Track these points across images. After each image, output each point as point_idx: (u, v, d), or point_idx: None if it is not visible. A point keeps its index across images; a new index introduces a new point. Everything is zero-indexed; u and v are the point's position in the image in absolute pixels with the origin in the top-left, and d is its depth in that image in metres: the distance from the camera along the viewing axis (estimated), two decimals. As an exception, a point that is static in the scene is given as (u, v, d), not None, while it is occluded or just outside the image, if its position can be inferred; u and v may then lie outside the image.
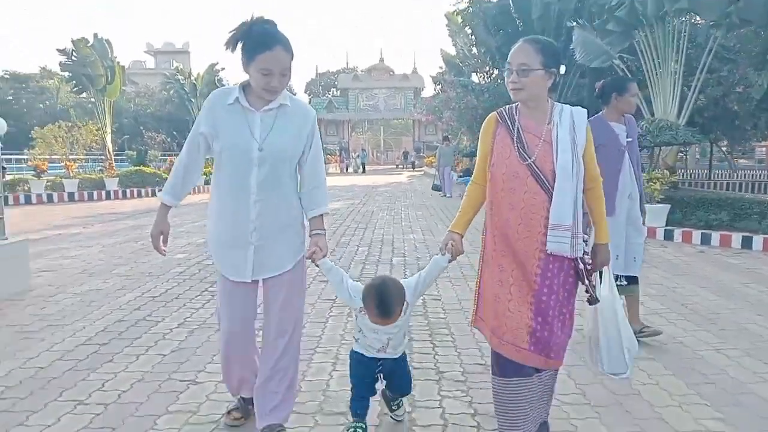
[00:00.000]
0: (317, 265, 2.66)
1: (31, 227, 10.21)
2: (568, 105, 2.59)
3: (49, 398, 3.14)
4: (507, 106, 2.64)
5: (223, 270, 2.64)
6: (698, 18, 10.69)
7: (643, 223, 4.24)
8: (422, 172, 36.46)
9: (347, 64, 70.42)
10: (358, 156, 42.30)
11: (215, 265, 2.68)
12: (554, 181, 2.43)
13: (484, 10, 19.59)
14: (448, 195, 17.21)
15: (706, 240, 8.15)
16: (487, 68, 22.27)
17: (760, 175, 28.07)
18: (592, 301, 2.53)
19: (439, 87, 27.80)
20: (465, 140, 28.55)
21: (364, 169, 40.54)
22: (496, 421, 2.57)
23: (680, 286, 5.73)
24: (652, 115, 11.77)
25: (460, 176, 19.32)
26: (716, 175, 27.67)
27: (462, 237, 2.63)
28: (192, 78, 33.55)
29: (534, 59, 2.45)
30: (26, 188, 15.25)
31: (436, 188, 18.31)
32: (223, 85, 31.86)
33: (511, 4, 18.75)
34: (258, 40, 2.41)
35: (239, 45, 2.44)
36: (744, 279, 6.06)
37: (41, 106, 50.72)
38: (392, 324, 2.59)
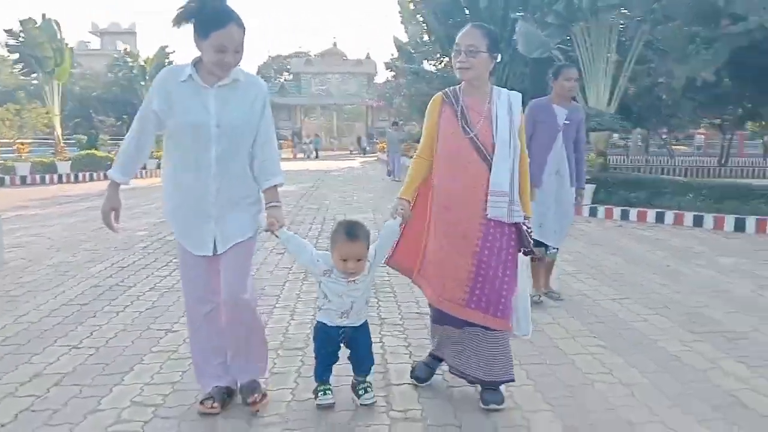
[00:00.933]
0: (277, 236, 2.75)
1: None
2: (505, 89, 2.92)
3: (46, 344, 3.64)
4: (451, 88, 2.94)
5: (187, 245, 2.68)
6: (628, 13, 11.56)
7: (578, 203, 4.71)
8: (375, 158, 37.07)
9: (300, 48, 70.32)
10: (311, 141, 42.39)
11: (177, 240, 2.74)
12: (493, 154, 2.75)
13: (434, -1, 20.23)
14: (397, 179, 17.88)
15: (625, 216, 9.11)
16: (438, 55, 22.95)
17: (695, 161, 29.78)
18: (533, 256, 2.98)
19: (391, 73, 28.40)
20: (416, 126, 29.28)
21: (317, 154, 40.65)
22: (425, 350, 3.20)
23: (594, 254, 6.56)
24: (587, 103, 12.71)
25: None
26: (654, 161, 29.28)
27: (410, 203, 2.90)
28: (141, 61, 33.15)
29: (481, 42, 2.76)
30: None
31: (389, 173, 18.85)
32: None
33: (459, -6, 19.46)
34: (211, 17, 2.43)
35: (190, 22, 2.47)
36: (651, 248, 6.94)
37: (-18, 88, 48.85)
38: (355, 280, 2.71)
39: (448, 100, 2.89)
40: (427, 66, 24.40)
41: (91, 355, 3.49)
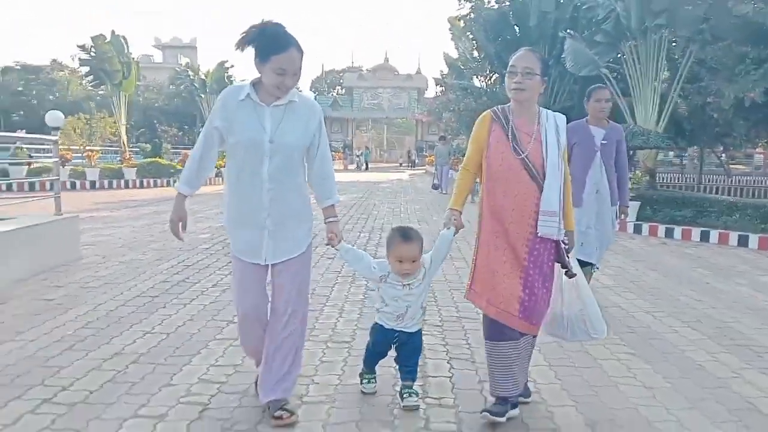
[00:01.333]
0: (336, 249, 2.98)
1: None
2: (551, 111, 3.03)
3: (123, 329, 4.11)
4: (499, 106, 3.03)
5: (240, 253, 2.82)
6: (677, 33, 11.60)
7: (618, 222, 4.83)
8: (423, 171, 37.41)
9: (352, 63, 71.40)
10: (361, 153, 43.19)
11: (232, 248, 2.88)
12: (543, 174, 2.83)
13: (484, 16, 20.48)
14: (444, 192, 18.14)
15: (669, 234, 9.15)
16: (487, 72, 23.17)
17: (754, 181, 28.89)
18: (571, 275, 2.94)
19: (440, 88, 28.75)
20: (464, 140, 29.52)
21: (367, 166, 41.40)
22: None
23: (635, 269, 6.70)
24: (635, 121, 12.74)
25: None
26: (709, 180, 28.58)
27: (460, 213, 3.00)
28: (201, 74, 34.61)
29: (536, 65, 2.86)
30: (50, 175, 16.23)
31: (435, 187, 19.16)
32: (232, 82, 32.86)
33: (510, 13, 19.70)
34: (272, 41, 2.59)
35: (250, 46, 2.62)
36: (692, 265, 7.03)
37: (51, 97, 51.55)
38: (410, 284, 2.93)
39: (497, 119, 2.96)
40: (477, 82, 24.68)
41: (163, 339, 3.93)
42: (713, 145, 19.53)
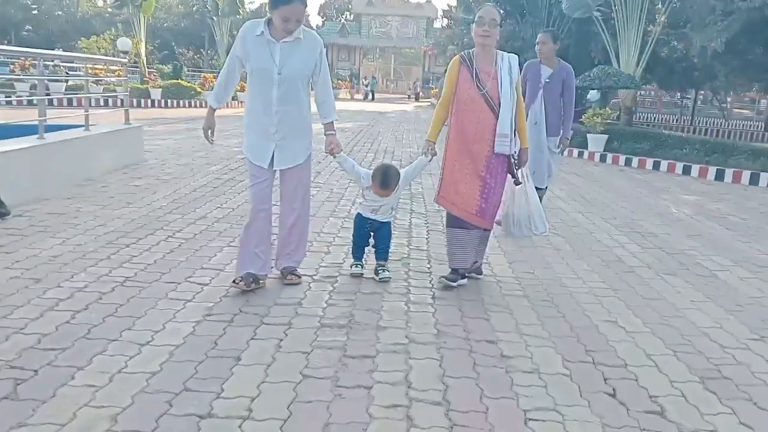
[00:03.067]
0: (335, 157, 3.72)
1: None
2: (505, 52, 3.76)
3: (200, 204, 5.79)
4: (465, 51, 3.80)
5: (252, 157, 3.47)
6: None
7: (559, 151, 5.60)
8: (428, 103, 38.33)
9: (362, -12, 70.49)
10: (368, 83, 43.49)
11: (245, 153, 3.54)
12: (499, 105, 3.61)
13: (492, -49, 21.21)
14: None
15: (628, 162, 10.79)
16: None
17: (750, 125, 29.91)
18: (518, 183, 3.82)
19: (447, 21, 29.48)
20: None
21: (373, 96, 41.56)
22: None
23: (586, 187, 8.36)
24: (619, 64, 14.07)
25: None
26: (705, 122, 29.67)
27: (435, 143, 3.83)
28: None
29: (498, 18, 3.64)
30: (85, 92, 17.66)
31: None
32: (243, 4, 33.34)
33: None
34: None
35: None
36: (635, 186, 8.68)
37: (60, 13, 51.62)
38: (387, 197, 3.85)
39: (464, 62, 3.71)
40: (484, 16, 25.38)
41: (231, 210, 5.63)
42: (695, 87, 20.68)
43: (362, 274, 3.95)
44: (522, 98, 3.91)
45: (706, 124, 29.24)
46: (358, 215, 4.00)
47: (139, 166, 7.77)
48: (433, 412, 2.38)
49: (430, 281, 4.00)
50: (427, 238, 5.16)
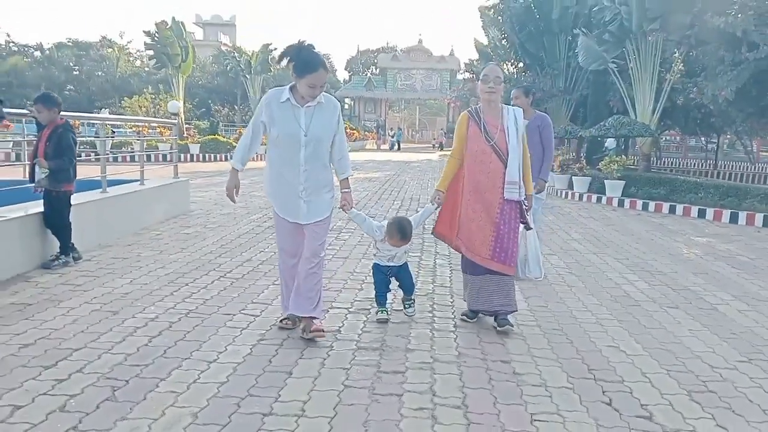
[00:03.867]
0: (347, 213, 3.88)
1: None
2: (510, 106, 4.14)
3: (246, 249, 6.42)
4: (472, 107, 4.13)
5: (285, 215, 3.70)
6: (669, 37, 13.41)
7: (536, 191, 5.33)
8: (452, 151, 38.99)
9: (387, 43, 72.97)
10: (394, 134, 44.67)
11: (276, 212, 3.76)
12: (507, 155, 3.95)
13: (511, 8, 22.25)
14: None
15: (645, 207, 11.21)
16: (512, 61, 24.90)
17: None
18: (528, 228, 4.24)
19: (469, 74, 30.57)
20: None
21: (399, 146, 42.77)
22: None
23: (602, 230, 8.81)
24: (635, 113, 14.63)
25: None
26: (730, 166, 29.82)
27: (444, 194, 4.13)
28: (246, 56, 36.97)
29: (501, 75, 4.04)
30: (130, 149, 18.91)
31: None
32: (275, 63, 34.95)
33: (533, 6, 21.42)
34: (306, 63, 3.44)
35: (287, 62, 3.50)
36: (650, 228, 9.09)
37: (100, 73, 54.32)
38: (402, 246, 4.12)
39: (472, 117, 4.06)
40: (507, 69, 26.38)
41: (274, 253, 6.22)
42: (716, 132, 21.03)
43: (388, 319, 4.17)
44: (527, 148, 4.21)
45: (732, 168, 29.41)
46: (375, 266, 4.24)
47: (186, 216, 8.49)
48: (454, 414, 2.87)
49: (453, 312, 4.50)
50: (450, 277, 5.67)
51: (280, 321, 3.99)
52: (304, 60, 3.47)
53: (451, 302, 4.81)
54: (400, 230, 4.05)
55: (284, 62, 3.56)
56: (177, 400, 2.89)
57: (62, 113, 5.36)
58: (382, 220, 4.39)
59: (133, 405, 2.83)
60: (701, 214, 10.38)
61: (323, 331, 3.77)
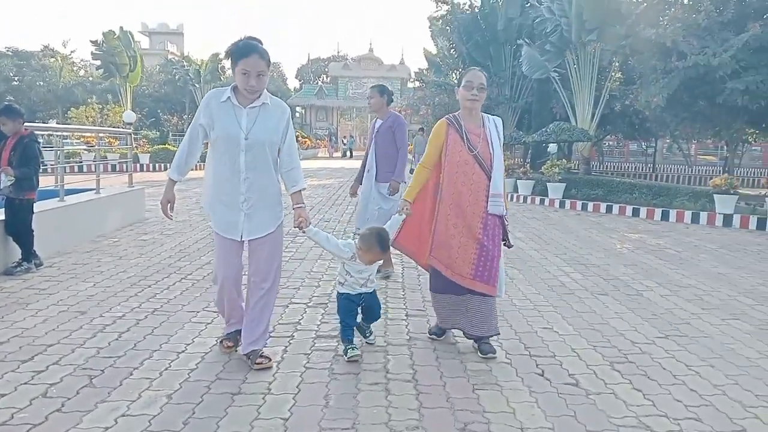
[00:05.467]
0: (304, 232, 3.40)
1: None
2: (488, 114, 3.84)
3: (203, 254, 6.63)
4: (451, 115, 3.78)
5: (220, 230, 3.31)
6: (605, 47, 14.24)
7: (389, 193, 5.54)
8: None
9: (338, 52, 73.44)
10: (346, 142, 45.18)
11: (213, 226, 3.39)
12: (491, 166, 3.64)
13: (458, 19, 22.99)
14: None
15: (584, 207, 11.90)
16: (460, 70, 25.62)
17: (712, 170, 31.46)
18: (509, 245, 3.88)
19: (418, 83, 31.15)
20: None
21: (351, 154, 43.28)
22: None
23: (544, 229, 9.36)
24: (575, 119, 15.43)
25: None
26: (668, 169, 31.37)
27: (412, 204, 3.77)
28: (195, 65, 36.72)
29: (485, 82, 3.70)
30: (78, 159, 18.61)
31: (412, 171, 21.78)
32: (225, 72, 34.80)
33: (479, 17, 22.21)
34: (240, 49, 3.15)
35: (227, 55, 3.24)
36: (588, 227, 9.70)
37: (42, 83, 52.69)
38: (375, 262, 3.61)
39: (452, 125, 3.73)
40: (454, 78, 27.07)
41: (230, 258, 6.45)
42: (654, 137, 22.23)
43: (360, 354, 3.60)
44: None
45: (669, 170, 30.98)
46: (344, 297, 3.63)
47: (142, 223, 8.60)
48: (405, 386, 3.23)
49: (404, 303, 4.87)
50: (401, 273, 6.03)
51: (221, 342, 3.67)
52: (239, 47, 3.20)
53: (403, 295, 5.17)
54: (380, 241, 3.52)
55: (228, 59, 3.31)
56: (152, 385, 3.14)
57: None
58: (341, 234, 4.40)
59: (111, 390, 3.06)
60: (635, 212, 11.10)
61: (270, 359, 3.42)
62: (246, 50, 3.16)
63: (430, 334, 4.00)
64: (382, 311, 4.00)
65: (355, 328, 3.70)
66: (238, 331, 3.57)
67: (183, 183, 3.69)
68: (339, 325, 3.78)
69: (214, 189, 3.31)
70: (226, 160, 3.23)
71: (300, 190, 3.42)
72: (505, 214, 3.76)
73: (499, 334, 3.84)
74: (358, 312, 3.68)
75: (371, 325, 3.89)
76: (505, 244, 3.84)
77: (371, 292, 3.70)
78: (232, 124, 3.21)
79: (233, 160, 3.21)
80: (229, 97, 3.25)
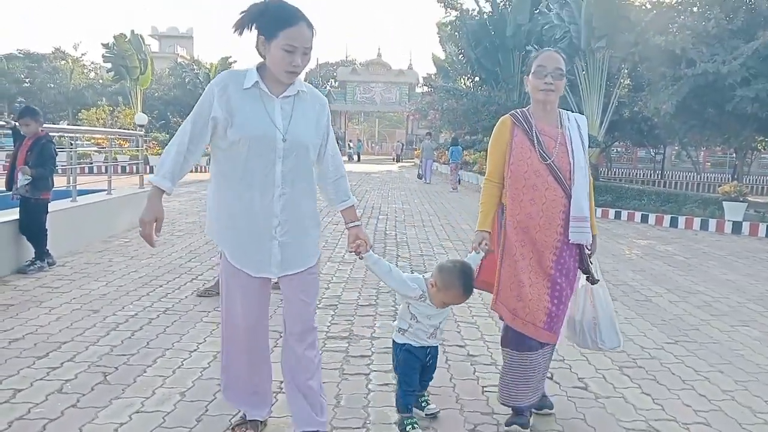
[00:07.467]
0: (361, 258, 2.62)
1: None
2: (570, 111, 2.90)
3: (205, 260, 6.68)
4: (519, 110, 2.82)
5: (244, 266, 2.37)
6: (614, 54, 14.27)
7: None
8: (412, 164, 39.88)
9: (346, 56, 73.67)
10: (353, 146, 45.48)
11: (230, 260, 2.39)
12: (570, 179, 2.67)
13: (467, 25, 23.06)
14: (427, 182, 20.82)
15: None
16: (469, 75, 25.70)
17: (721, 178, 31.42)
18: (594, 281, 2.79)
19: (427, 88, 31.22)
20: (447, 136, 32.08)
21: (359, 158, 43.70)
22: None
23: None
24: (584, 124, 15.43)
25: (445, 164, 22.98)
26: (675, 176, 31.31)
27: (490, 234, 2.82)
28: (205, 68, 36.90)
29: (563, 66, 2.71)
30: (89, 161, 18.77)
31: (420, 177, 21.92)
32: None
33: (488, 24, 22.27)
34: (279, 16, 2.21)
35: (252, 27, 2.25)
36: (599, 233, 9.66)
37: (52, 85, 53.13)
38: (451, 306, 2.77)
39: (519, 123, 2.78)
40: (462, 83, 27.13)
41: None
42: (662, 144, 22.19)
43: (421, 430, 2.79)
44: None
45: (677, 177, 30.91)
46: (405, 349, 2.79)
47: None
48: (415, 388, 3.24)
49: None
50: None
51: (232, 429, 2.69)
52: (276, 11, 2.25)
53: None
54: (464, 278, 2.71)
55: (245, 31, 2.28)
56: (165, 382, 3.18)
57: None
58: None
59: (125, 387, 3.11)
60: (644, 219, 11.09)
61: None
62: (290, 17, 2.23)
63: (507, 427, 2.85)
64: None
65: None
66: (261, 423, 2.67)
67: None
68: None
69: (231, 211, 2.36)
70: (255, 171, 2.31)
71: (353, 205, 2.64)
72: (590, 242, 2.82)
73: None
74: (420, 369, 2.83)
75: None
76: (588, 279, 2.86)
77: (437, 346, 2.89)
78: (263, 120, 2.29)
79: (266, 171, 2.31)
80: (256, 82, 2.30)
